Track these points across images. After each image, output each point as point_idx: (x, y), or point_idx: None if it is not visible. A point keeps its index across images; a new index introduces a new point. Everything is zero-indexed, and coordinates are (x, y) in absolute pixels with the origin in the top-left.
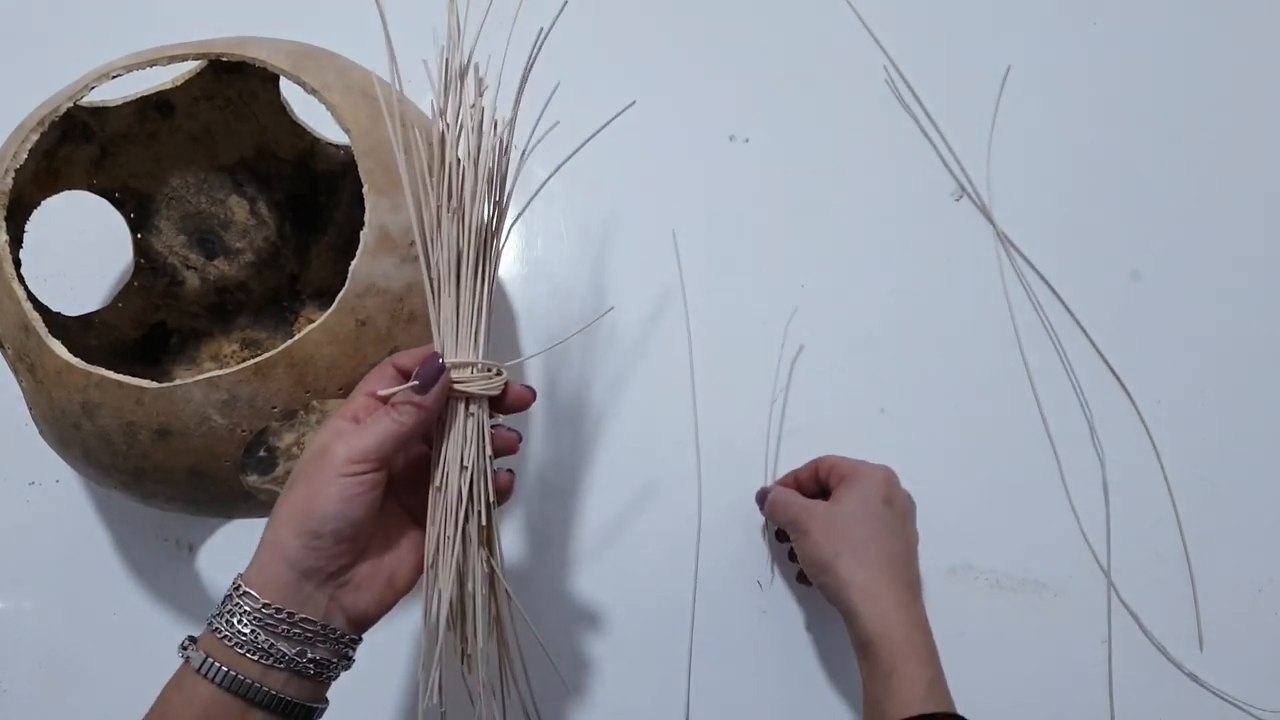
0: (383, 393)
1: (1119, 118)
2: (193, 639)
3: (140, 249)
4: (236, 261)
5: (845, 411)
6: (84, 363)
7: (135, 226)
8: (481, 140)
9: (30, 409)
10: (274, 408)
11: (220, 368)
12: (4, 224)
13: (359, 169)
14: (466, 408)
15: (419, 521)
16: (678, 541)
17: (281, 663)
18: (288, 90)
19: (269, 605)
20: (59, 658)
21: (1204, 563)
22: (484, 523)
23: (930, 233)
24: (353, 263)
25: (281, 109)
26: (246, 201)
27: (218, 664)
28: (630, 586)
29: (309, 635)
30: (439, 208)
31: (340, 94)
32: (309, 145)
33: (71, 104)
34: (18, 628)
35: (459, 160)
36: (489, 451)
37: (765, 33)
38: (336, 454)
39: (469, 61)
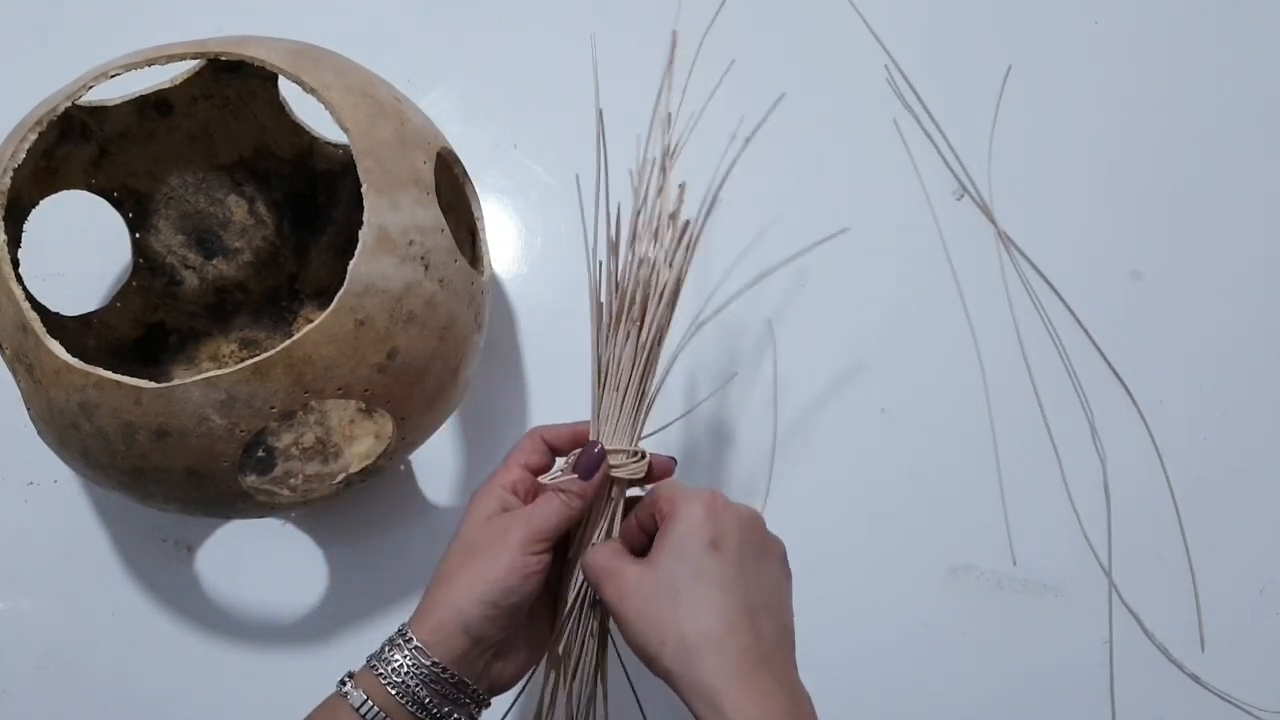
0: (547, 481)
1: (1120, 117)
2: (351, 674)
3: (139, 248)
4: (235, 261)
5: (845, 411)
6: (82, 363)
7: (134, 226)
8: (674, 256)
9: (28, 409)
10: (272, 408)
11: (219, 367)
12: (2, 224)
13: (358, 168)
14: (610, 490)
15: (551, 589)
16: None
17: (431, 718)
18: (287, 89)
19: (438, 664)
20: (59, 658)
21: (1205, 563)
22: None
23: (931, 232)
24: (351, 262)
25: (281, 108)
26: (245, 201)
27: (377, 708)
28: None
29: (462, 698)
30: (618, 315)
31: (339, 93)
32: (308, 144)
33: (70, 104)
34: (17, 628)
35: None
36: (616, 531)
37: (765, 32)
38: (516, 533)
39: (666, 168)
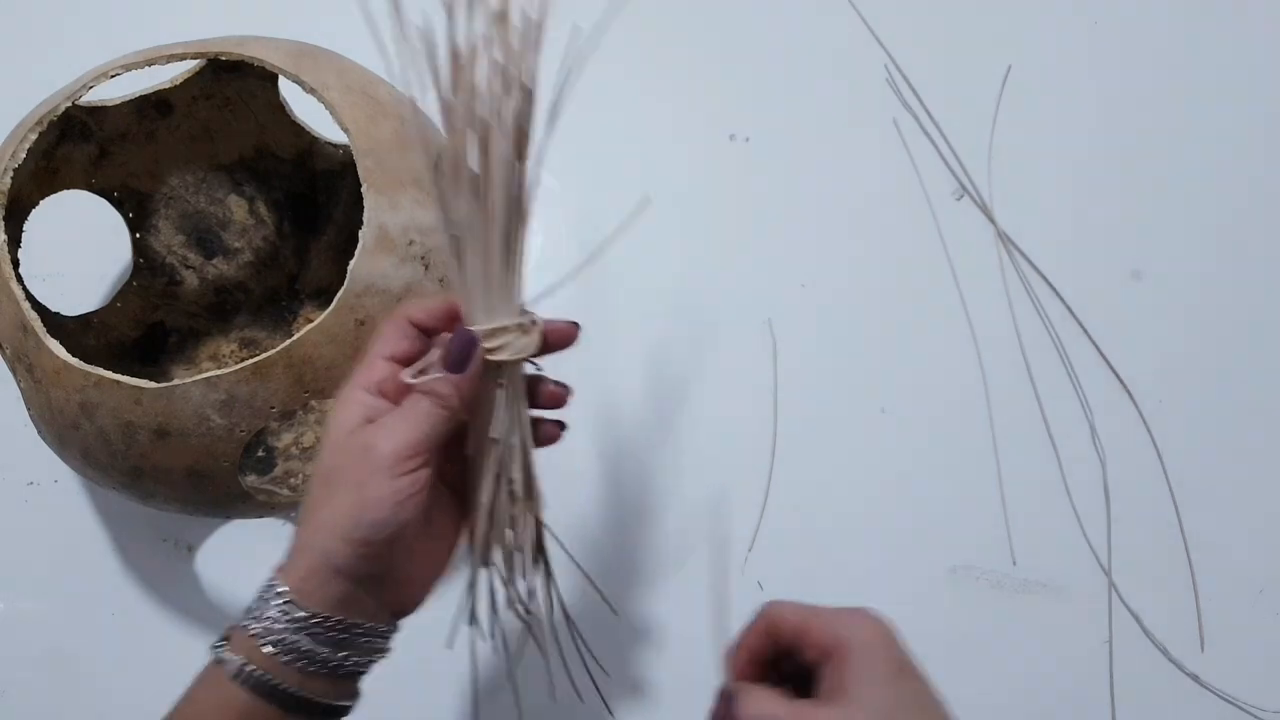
0: (411, 380)
1: (1120, 117)
2: (225, 639)
3: (139, 249)
4: (235, 261)
5: (845, 411)
6: (82, 363)
7: (134, 226)
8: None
9: (29, 409)
10: (272, 408)
11: (218, 367)
12: (2, 223)
13: (358, 168)
14: (501, 373)
15: (452, 487)
16: (682, 542)
17: (326, 668)
18: (287, 89)
19: (316, 615)
20: (59, 658)
21: (1205, 563)
22: (524, 484)
23: (931, 232)
24: (351, 263)
25: (280, 108)
26: (245, 201)
27: (255, 670)
28: (635, 588)
29: (357, 639)
30: (455, 158)
31: (339, 93)
32: (308, 144)
33: (70, 104)
34: (18, 628)
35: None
36: (525, 416)
37: (766, 32)
38: (383, 452)
39: None
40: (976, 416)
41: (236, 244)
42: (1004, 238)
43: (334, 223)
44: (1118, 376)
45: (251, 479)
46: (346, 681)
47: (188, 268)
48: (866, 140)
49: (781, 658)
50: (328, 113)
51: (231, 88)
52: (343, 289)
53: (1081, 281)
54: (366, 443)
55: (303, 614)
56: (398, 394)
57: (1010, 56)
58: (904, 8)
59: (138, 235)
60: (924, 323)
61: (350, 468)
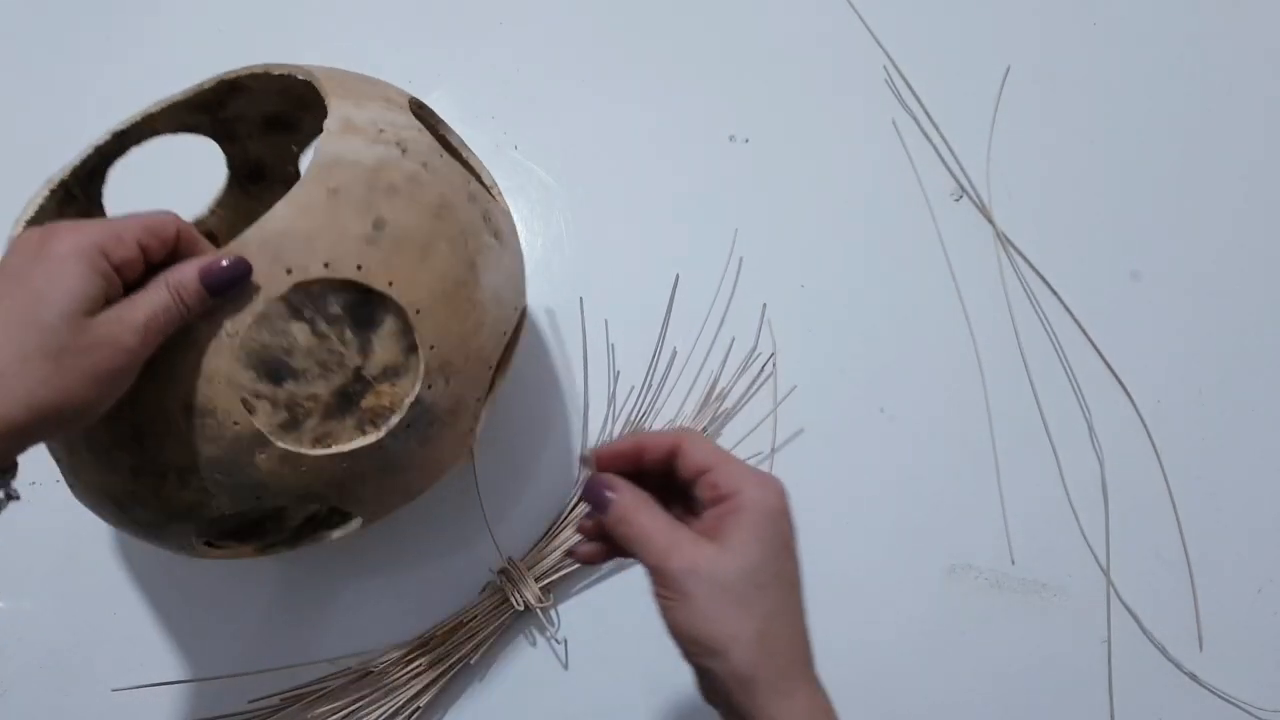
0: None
1: (1119, 118)
2: None
3: None
4: (303, 379)
5: (845, 411)
6: None
7: None
8: None
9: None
10: (257, 291)
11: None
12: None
13: (319, 89)
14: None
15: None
16: None
17: None
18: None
19: None
20: (59, 658)
21: (1204, 562)
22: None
23: (930, 233)
24: (315, 142)
25: None
26: (306, 324)
27: None
28: (635, 587)
29: None
30: None
31: (318, 69)
32: None
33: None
34: (18, 628)
35: None
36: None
37: (765, 33)
38: (124, 346)
39: None
40: (975, 416)
41: (303, 365)
42: (1003, 238)
43: (390, 310)
44: (1116, 376)
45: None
46: None
47: (259, 398)
48: (866, 141)
49: (646, 474)
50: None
51: (262, 203)
52: (310, 163)
53: (1080, 282)
54: (109, 334)
55: None
56: (128, 280)
57: (1010, 57)
58: (904, 8)
59: None
60: (923, 323)
61: (85, 352)
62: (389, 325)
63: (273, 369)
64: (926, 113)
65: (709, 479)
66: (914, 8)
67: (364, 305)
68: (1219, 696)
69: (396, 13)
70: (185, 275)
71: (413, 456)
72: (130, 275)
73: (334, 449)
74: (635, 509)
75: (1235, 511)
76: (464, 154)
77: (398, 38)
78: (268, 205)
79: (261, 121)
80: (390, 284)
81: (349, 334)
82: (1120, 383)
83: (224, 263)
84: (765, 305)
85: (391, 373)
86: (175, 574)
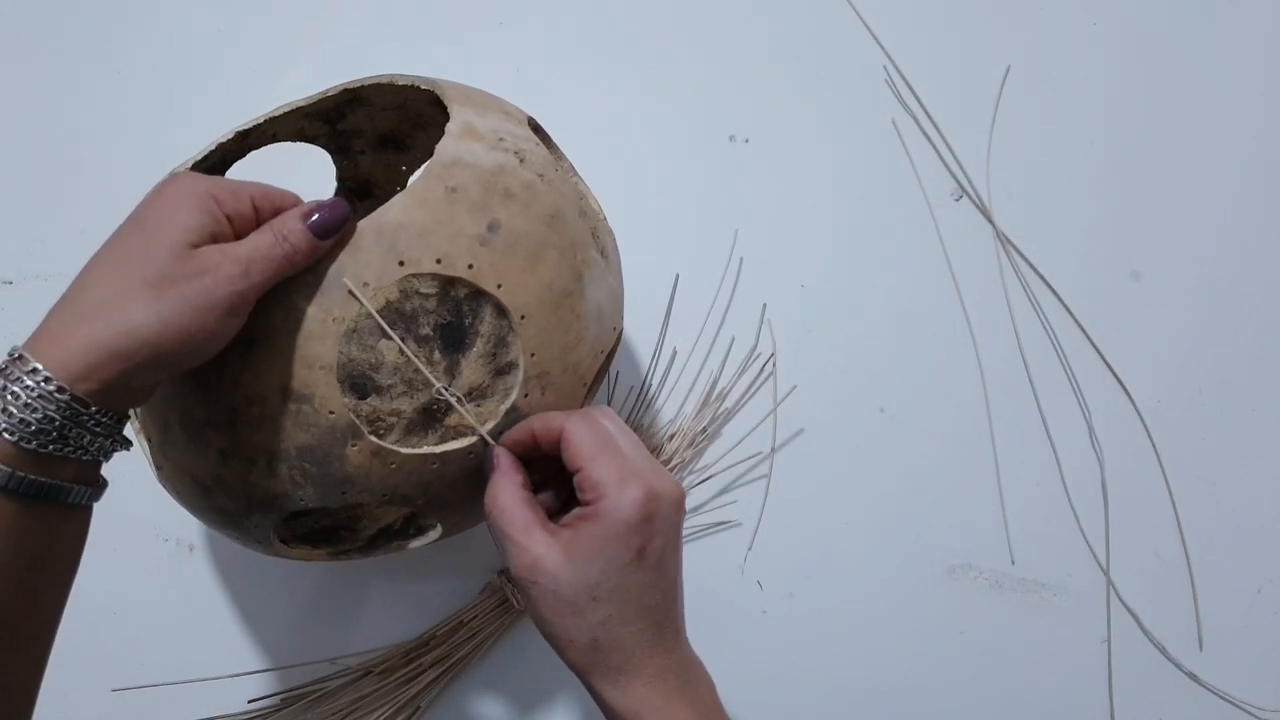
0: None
1: (1119, 118)
2: None
3: None
4: (387, 396)
5: (845, 411)
6: None
7: None
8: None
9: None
10: (365, 283)
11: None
12: None
13: (442, 98)
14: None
15: None
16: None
17: (86, 452)
18: None
19: (78, 399)
20: (59, 657)
21: (1203, 562)
22: None
23: (930, 233)
24: (438, 145)
25: None
26: (395, 343)
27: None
28: None
29: (104, 429)
30: None
31: (451, 88)
32: (448, 274)
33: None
34: None
35: None
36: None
37: (765, 32)
38: (228, 288)
39: None
40: (975, 416)
41: (389, 382)
42: (1002, 238)
43: (481, 336)
44: (1116, 376)
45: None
46: (91, 468)
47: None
48: (865, 141)
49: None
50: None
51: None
52: (429, 161)
53: (1080, 282)
54: (214, 267)
55: (65, 397)
56: (237, 226)
57: (1010, 57)
58: (903, 8)
59: None
60: (922, 323)
61: (187, 282)
62: (478, 349)
63: (358, 383)
64: (926, 113)
65: (579, 479)
66: (914, 8)
67: (455, 329)
68: (1219, 696)
69: (397, 13)
70: (289, 217)
71: None
72: (242, 228)
73: (425, 449)
74: (500, 492)
75: (1235, 511)
76: (576, 179)
77: (398, 38)
78: None
79: (376, 139)
80: (499, 286)
81: (437, 355)
82: (1120, 383)
83: (335, 205)
84: (765, 305)
85: (477, 394)
86: (176, 574)
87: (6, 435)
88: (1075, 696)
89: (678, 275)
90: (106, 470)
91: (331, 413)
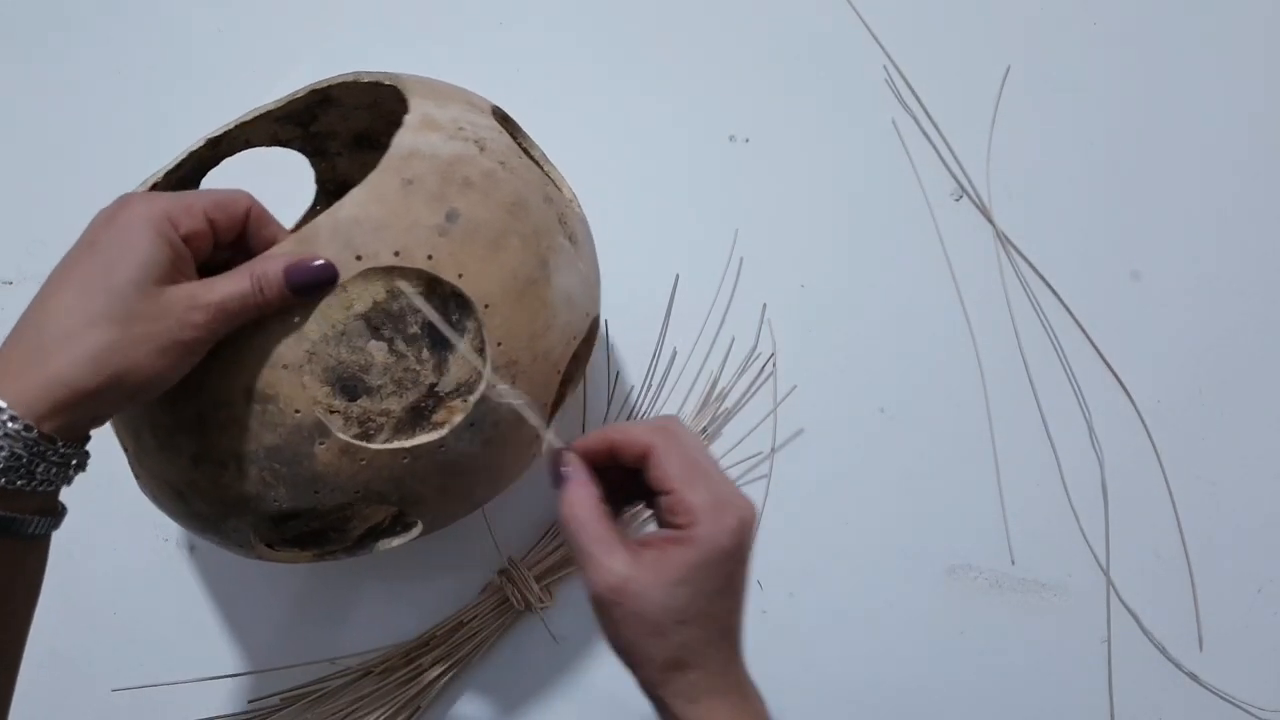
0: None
1: (1119, 118)
2: None
3: None
4: (377, 396)
5: (845, 411)
6: None
7: None
8: None
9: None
10: (342, 286)
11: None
12: None
13: (401, 90)
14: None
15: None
16: None
17: (47, 483)
18: None
19: (47, 437)
20: (59, 657)
21: (1203, 562)
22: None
23: (930, 233)
24: (394, 137)
25: None
26: (385, 343)
27: None
28: None
29: (75, 456)
30: None
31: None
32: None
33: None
34: None
35: None
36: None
37: (765, 32)
38: (194, 321)
39: None
40: (975, 416)
41: (378, 382)
42: (1003, 238)
43: (468, 331)
44: (1116, 376)
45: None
46: (50, 497)
47: (332, 413)
48: (865, 141)
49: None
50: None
51: None
52: (387, 154)
53: (1080, 282)
54: (181, 304)
55: (32, 435)
56: (196, 254)
57: (1009, 56)
58: (903, 8)
59: None
60: (923, 323)
61: (151, 320)
62: (466, 345)
63: (349, 385)
64: (926, 113)
65: (669, 501)
66: (914, 8)
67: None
68: (1219, 696)
69: (397, 13)
70: (271, 267)
71: (475, 459)
72: (200, 247)
73: (394, 444)
74: (577, 503)
75: (1235, 511)
76: (544, 165)
77: (398, 38)
78: None
79: (351, 139)
80: (460, 275)
81: (425, 353)
82: (1120, 383)
83: (316, 263)
84: (765, 305)
85: (465, 389)
86: (175, 574)
87: None
88: (1075, 696)
89: (678, 275)
90: (107, 470)
91: (297, 411)
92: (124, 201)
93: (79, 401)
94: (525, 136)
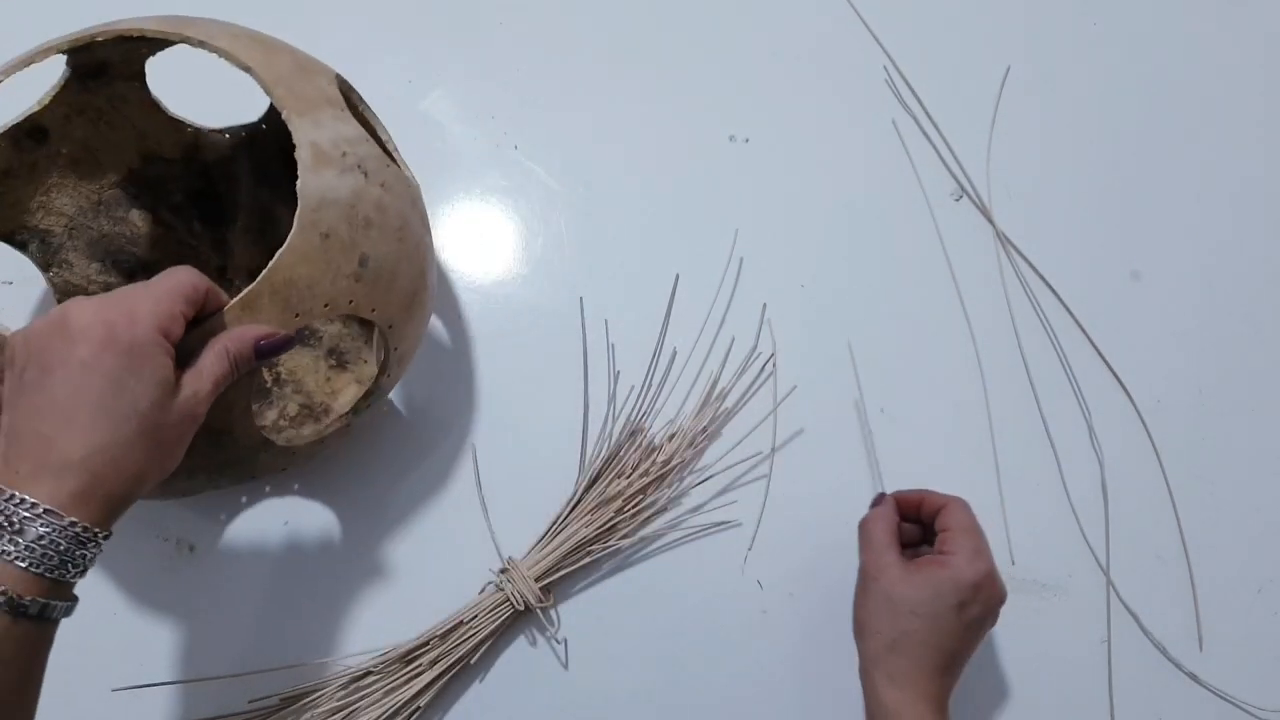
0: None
1: (1119, 118)
2: None
3: (58, 288)
4: (155, 273)
5: (845, 412)
6: None
7: (44, 265)
8: None
9: None
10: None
11: None
12: None
13: (272, 99)
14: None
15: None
16: (676, 540)
17: (76, 572)
18: (157, 86)
19: (86, 526)
20: (59, 657)
21: (1203, 562)
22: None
23: (930, 233)
24: (298, 182)
25: (155, 107)
26: (147, 212)
27: (8, 593)
28: (635, 587)
29: (93, 544)
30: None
31: (227, 40)
32: (192, 139)
33: None
34: None
35: None
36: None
37: (765, 33)
38: (198, 411)
39: None
40: (975, 416)
41: (152, 256)
42: (1002, 238)
43: (242, 208)
44: (1116, 376)
45: (268, 415)
46: (69, 586)
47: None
48: (866, 141)
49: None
50: (205, 98)
51: (101, 97)
52: (299, 207)
53: (1080, 282)
54: (191, 408)
55: (78, 528)
56: (178, 335)
57: (1010, 57)
58: (903, 8)
59: (51, 273)
60: (923, 323)
61: (174, 427)
62: (241, 222)
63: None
64: (926, 113)
65: (943, 537)
66: (914, 8)
67: (209, 197)
68: (1219, 696)
69: (396, 12)
70: (244, 348)
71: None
72: (175, 341)
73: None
74: (879, 519)
75: (1235, 512)
76: (372, 123)
77: (398, 37)
78: (108, 104)
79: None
80: (374, 310)
81: (198, 226)
82: (1120, 383)
83: (281, 336)
84: (765, 305)
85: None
86: (175, 574)
87: (32, 569)
88: (1075, 696)
89: (678, 275)
90: None
91: (248, 436)
92: (115, 324)
93: (122, 506)
94: (356, 94)
